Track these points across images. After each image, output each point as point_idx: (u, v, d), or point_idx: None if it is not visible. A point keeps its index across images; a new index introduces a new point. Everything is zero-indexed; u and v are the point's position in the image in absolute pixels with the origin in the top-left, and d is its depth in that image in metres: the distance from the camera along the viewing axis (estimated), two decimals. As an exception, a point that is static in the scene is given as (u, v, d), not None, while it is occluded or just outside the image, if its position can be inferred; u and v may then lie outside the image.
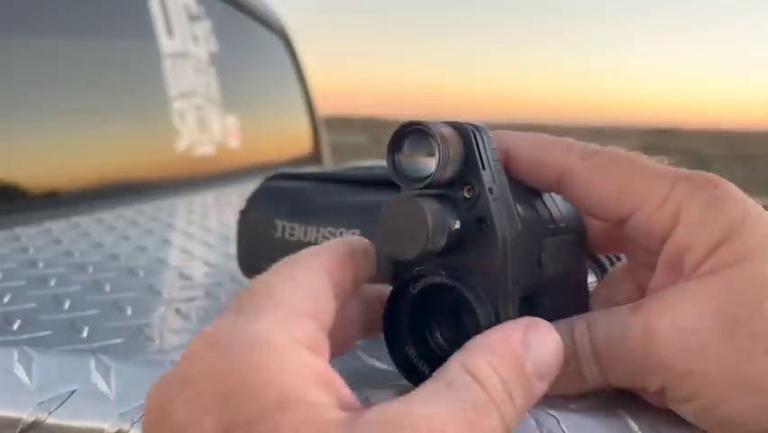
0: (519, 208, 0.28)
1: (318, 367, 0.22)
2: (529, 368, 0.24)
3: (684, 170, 0.28)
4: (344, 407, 0.21)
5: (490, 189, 0.27)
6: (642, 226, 0.28)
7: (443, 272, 0.27)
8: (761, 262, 0.26)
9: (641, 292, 0.29)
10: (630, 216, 0.28)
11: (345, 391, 0.22)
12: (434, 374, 0.23)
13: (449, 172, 0.27)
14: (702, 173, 0.28)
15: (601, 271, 0.35)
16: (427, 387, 0.22)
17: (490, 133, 0.28)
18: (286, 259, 0.26)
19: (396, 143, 0.27)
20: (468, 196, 0.27)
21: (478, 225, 0.27)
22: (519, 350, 0.24)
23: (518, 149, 0.29)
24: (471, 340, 0.24)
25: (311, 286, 0.24)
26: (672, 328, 0.26)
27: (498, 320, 0.26)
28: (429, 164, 0.27)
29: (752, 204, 0.27)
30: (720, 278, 0.26)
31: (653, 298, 0.27)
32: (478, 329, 0.26)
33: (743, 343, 0.25)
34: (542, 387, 0.24)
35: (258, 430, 0.19)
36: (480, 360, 0.23)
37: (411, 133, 0.27)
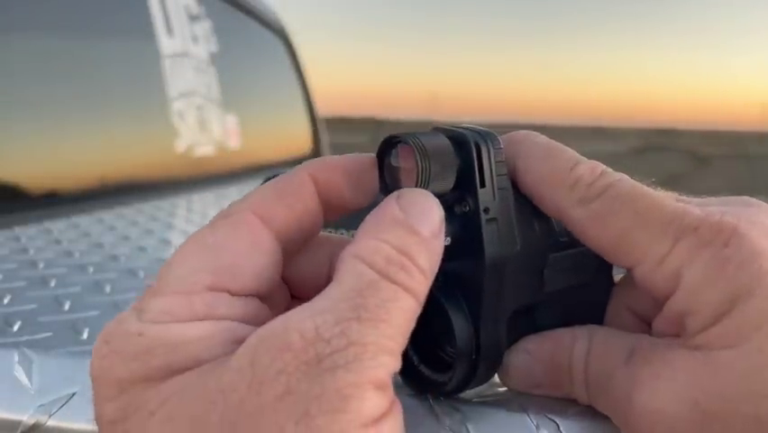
0: (524, 225, 0.27)
1: (203, 329, 0.22)
2: (419, 227, 0.23)
3: (694, 219, 0.25)
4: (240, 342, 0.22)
5: (486, 210, 0.26)
6: (642, 281, 0.26)
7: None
8: (759, 346, 0.23)
9: (656, 303, 0.27)
10: (631, 269, 0.26)
11: (249, 332, 0.22)
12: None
13: (439, 186, 0.25)
14: (714, 223, 0.24)
15: None
16: (320, 293, 0.22)
17: (502, 142, 0.27)
18: (220, 212, 0.26)
19: (382, 156, 0.26)
20: (465, 210, 0.26)
21: (470, 243, 0.26)
22: (401, 216, 0.23)
23: (524, 171, 0.27)
24: (356, 231, 0.24)
25: (217, 249, 0.24)
26: (647, 405, 0.24)
27: (477, 337, 0.26)
28: (412, 179, 0.25)
29: None
30: (710, 362, 0.24)
31: (643, 360, 0.25)
32: (453, 343, 0.26)
33: None
34: (439, 243, 0.23)
35: (147, 398, 0.21)
36: (366, 241, 0.22)
37: (396, 145, 0.26)
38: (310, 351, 0.20)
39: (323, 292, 0.22)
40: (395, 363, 0.21)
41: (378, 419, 0.20)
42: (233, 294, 0.24)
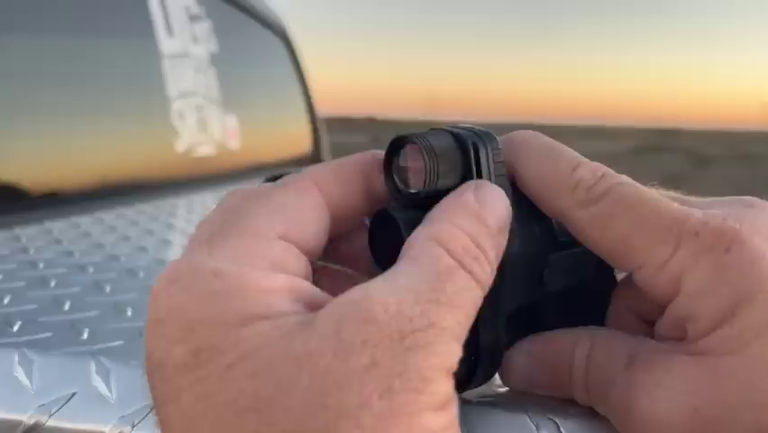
0: (524, 225, 0.27)
1: (279, 282, 0.22)
2: (490, 221, 0.24)
3: (695, 223, 0.24)
4: (315, 308, 0.21)
5: None
6: (643, 285, 0.26)
7: None
8: (760, 352, 0.23)
9: (657, 307, 0.27)
10: (632, 272, 0.26)
11: (315, 294, 0.22)
12: (402, 252, 0.23)
13: (443, 185, 0.26)
14: (716, 228, 0.24)
15: None
16: (393, 268, 0.22)
17: (500, 142, 0.27)
18: (284, 178, 0.26)
19: (390, 155, 0.27)
20: None
21: None
22: (477, 207, 0.24)
23: (524, 172, 0.27)
24: (429, 213, 0.24)
25: (285, 204, 0.24)
26: (647, 411, 0.24)
27: (476, 337, 0.26)
28: (421, 178, 0.26)
29: None
30: (711, 369, 0.23)
31: (644, 366, 0.25)
32: None
33: None
34: (503, 240, 0.24)
35: (223, 347, 0.20)
36: (442, 225, 0.23)
37: (404, 145, 0.26)
38: (393, 325, 0.20)
39: (396, 269, 0.22)
40: (460, 352, 0.21)
41: (447, 405, 0.20)
42: (299, 249, 0.24)
